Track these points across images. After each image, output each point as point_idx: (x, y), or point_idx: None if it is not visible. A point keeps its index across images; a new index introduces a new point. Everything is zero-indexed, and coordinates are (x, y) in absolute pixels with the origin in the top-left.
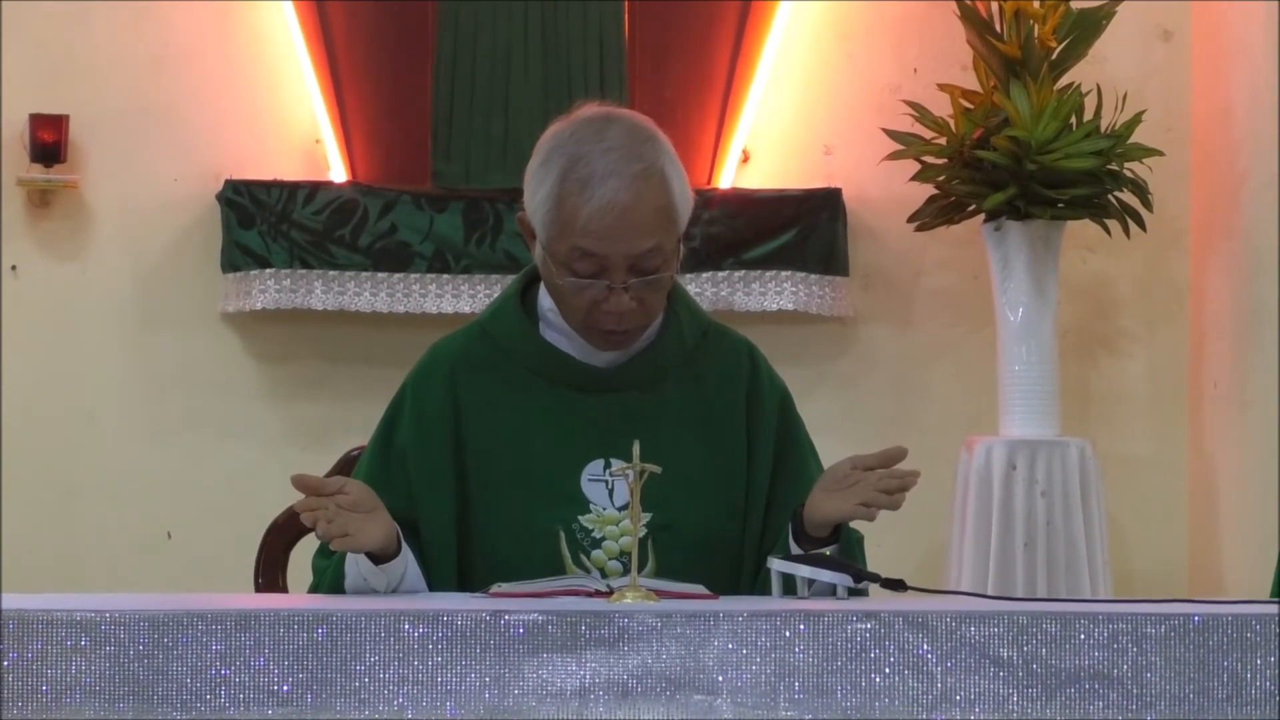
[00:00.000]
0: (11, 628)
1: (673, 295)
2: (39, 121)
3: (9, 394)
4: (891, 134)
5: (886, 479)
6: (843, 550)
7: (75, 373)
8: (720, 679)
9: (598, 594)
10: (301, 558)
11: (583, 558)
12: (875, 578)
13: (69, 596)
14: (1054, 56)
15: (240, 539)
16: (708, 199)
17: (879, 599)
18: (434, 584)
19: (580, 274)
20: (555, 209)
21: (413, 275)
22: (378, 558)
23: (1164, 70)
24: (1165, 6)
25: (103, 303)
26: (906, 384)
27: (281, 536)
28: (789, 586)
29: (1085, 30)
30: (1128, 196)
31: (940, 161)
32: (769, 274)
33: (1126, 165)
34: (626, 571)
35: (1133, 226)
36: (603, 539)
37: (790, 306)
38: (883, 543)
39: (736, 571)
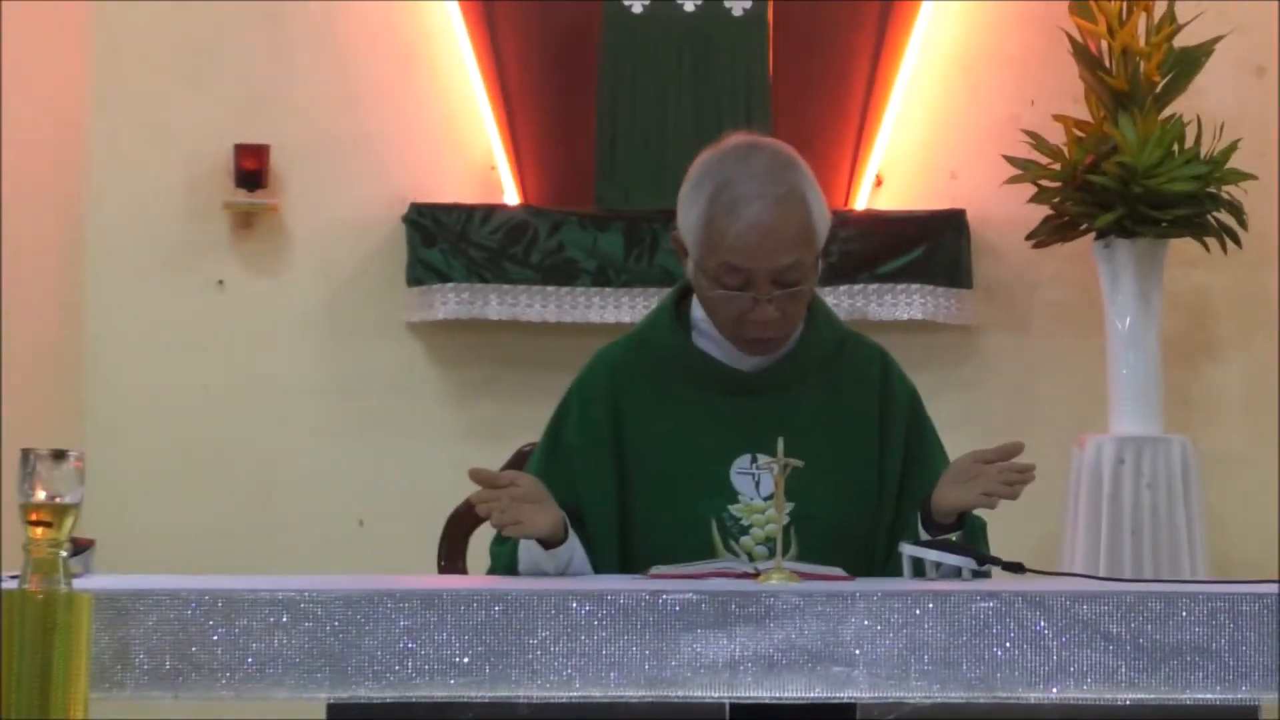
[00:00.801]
0: (220, 606)
1: (812, 306)
2: (243, 151)
3: (217, 396)
4: (1011, 160)
5: (1006, 472)
6: (967, 536)
7: (275, 377)
8: (857, 652)
9: (745, 576)
10: (479, 543)
11: (732, 543)
12: (996, 561)
13: (271, 578)
14: (1158, 90)
15: (424, 526)
16: (844, 219)
17: (1000, 580)
18: (598, 567)
19: (728, 287)
20: (705, 228)
21: (578, 288)
22: (547, 543)
23: (1257, 102)
24: (1258, 45)
25: (299, 314)
26: (1024, 386)
27: (461, 524)
28: (918, 569)
29: (1186, 66)
30: (1225, 216)
31: (1055, 185)
32: (899, 287)
33: (1224, 188)
34: (771, 555)
35: (1229, 244)
36: (750, 526)
37: (919, 316)
38: (1003, 530)
39: (870, 556)
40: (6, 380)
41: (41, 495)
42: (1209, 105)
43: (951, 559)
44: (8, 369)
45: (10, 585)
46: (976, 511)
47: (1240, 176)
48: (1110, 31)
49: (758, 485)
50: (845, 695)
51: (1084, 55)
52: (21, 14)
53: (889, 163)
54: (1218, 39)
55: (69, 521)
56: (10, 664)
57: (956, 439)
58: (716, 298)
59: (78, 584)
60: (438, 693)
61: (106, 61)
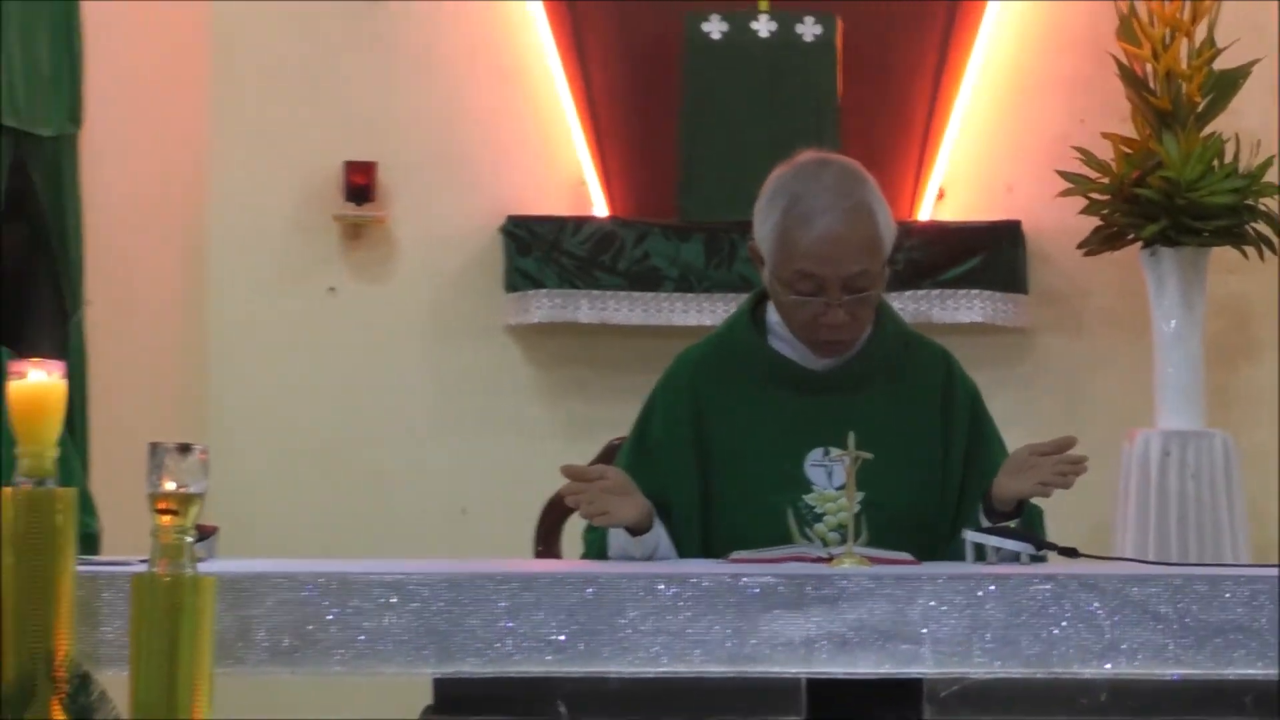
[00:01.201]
0: (334, 588)
1: (880, 310)
2: (352, 167)
3: (329, 394)
4: (1063, 174)
5: (1060, 463)
6: (1025, 523)
7: (383, 377)
8: (924, 631)
9: (820, 560)
10: (572, 530)
11: (806, 530)
12: (1053, 546)
13: (381, 562)
14: (1199, 110)
15: (522, 514)
16: (909, 229)
17: (1056, 564)
18: (683, 553)
19: (802, 293)
20: (781, 239)
21: (662, 294)
22: (635, 531)
23: None
24: None
25: (405, 318)
26: (1076, 385)
27: (555, 513)
28: (980, 554)
29: (1225, 88)
30: (1261, 227)
31: (1104, 198)
32: (960, 292)
33: (1260, 200)
34: (843, 541)
35: (1266, 252)
36: (823, 514)
37: (978, 319)
38: (1058, 517)
39: (935, 541)
40: (136, 380)
41: (169, 485)
42: (1246, 124)
43: (1011, 544)
44: (137, 370)
45: (140, 569)
46: (1033, 500)
47: (1275, 190)
48: (1155, 55)
49: (830, 476)
50: (913, 671)
51: (1130, 78)
52: (146, 43)
53: (950, 177)
54: (1254, 62)
55: (194, 510)
56: (139, 642)
57: (1014, 433)
58: (791, 303)
59: (202, 568)
60: (534, 668)
61: (224, 85)
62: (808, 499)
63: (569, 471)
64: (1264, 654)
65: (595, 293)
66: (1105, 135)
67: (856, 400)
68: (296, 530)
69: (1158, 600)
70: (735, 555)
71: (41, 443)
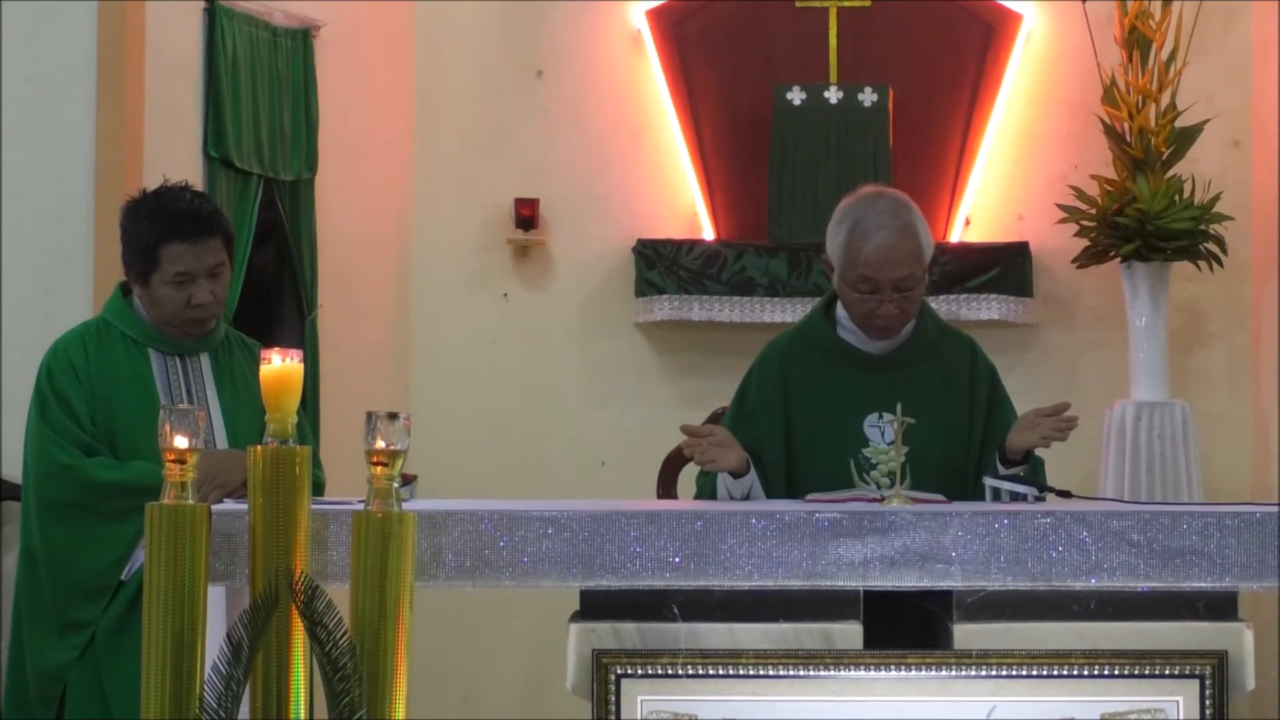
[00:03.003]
0: (505, 522)
1: (921, 307)
2: (520, 203)
3: (504, 375)
4: (1061, 207)
5: (1058, 421)
6: (1030, 470)
7: (543, 362)
8: (953, 554)
9: (874, 500)
10: (686, 479)
11: (865, 476)
12: (1052, 489)
13: (540, 502)
14: (1164, 158)
15: (647, 466)
16: (943, 249)
17: (1054, 503)
18: (771, 492)
19: (862, 292)
20: (846, 251)
21: (755, 298)
22: (735, 475)
23: (1235, 166)
24: (1236, 126)
25: (560, 317)
26: (1071, 366)
27: (673, 465)
28: (996, 495)
29: (1184, 141)
30: (1212, 246)
31: (1092, 225)
32: (982, 296)
33: (1211, 226)
34: (892, 485)
35: (1215, 266)
36: (877, 464)
37: (996, 317)
38: (1057, 467)
39: (962, 485)
40: (356, 364)
41: (381, 444)
42: (1200, 168)
43: (1020, 488)
44: (357, 357)
45: (358, 508)
46: (1037, 451)
47: (1222, 218)
48: (1130, 116)
49: (882, 435)
50: (945, 584)
51: (1112, 133)
52: (365, 106)
53: (975, 209)
54: (1206, 122)
55: (399, 462)
56: (358, 563)
57: (1023, 404)
58: (853, 299)
59: (406, 506)
60: (656, 583)
61: (426, 139)
62: (865, 452)
63: (687, 429)
64: (1213, 571)
65: (705, 297)
66: (1093, 177)
67: (903, 376)
68: (476, 478)
69: (1132, 530)
70: (810, 497)
71: (284, 411)
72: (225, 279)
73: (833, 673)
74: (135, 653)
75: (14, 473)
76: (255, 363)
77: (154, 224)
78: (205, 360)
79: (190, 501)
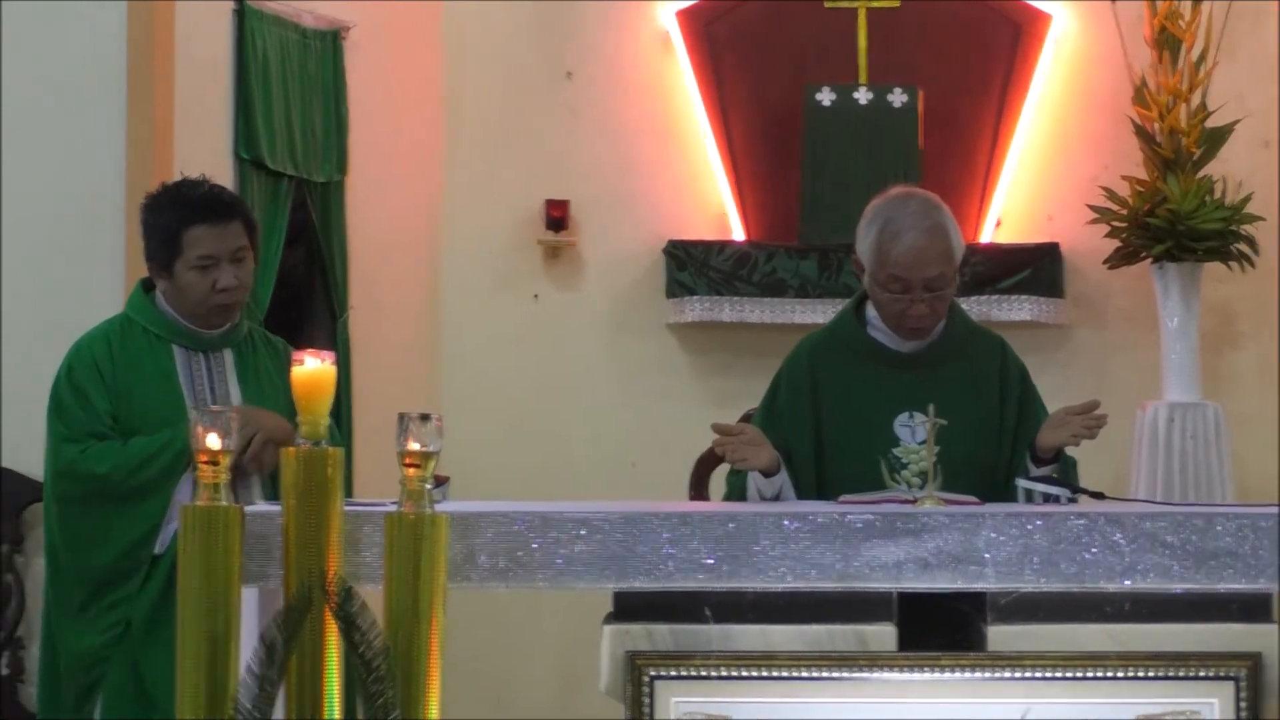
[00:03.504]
0: (538, 523)
1: (951, 307)
2: (551, 204)
3: (534, 376)
4: (1092, 207)
5: (1088, 419)
6: (1062, 471)
7: (574, 362)
8: (987, 556)
9: (906, 502)
10: (717, 480)
11: (896, 476)
12: (1085, 490)
13: (573, 503)
14: (1195, 158)
15: (679, 466)
16: (974, 250)
17: (1087, 504)
18: (801, 491)
19: (892, 291)
20: (877, 251)
21: (785, 299)
22: (766, 474)
23: (1265, 166)
24: (1266, 126)
25: (590, 318)
26: (1102, 367)
27: (705, 466)
28: (1029, 497)
29: (1215, 142)
30: (1243, 246)
31: (1123, 225)
32: (1013, 297)
33: (1241, 227)
34: (924, 484)
35: (1246, 266)
36: (907, 463)
37: (1027, 318)
38: (1089, 468)
39: (993, 486)
40: (387, 365)
41: (413, 445)
42: (1231, 169)
43: (1053, 489)
44: (388, 357)
45: (391, 509)
46: (1068, 452)
47: (1252, 218)
48: (1161, 117)
49: (913, 434)
50: (978, 586)
51: (1143, 134)
52: (395, 109)
53: (1006, 209)
54: (1236, 122)
55: (432, 464)
56: (391, 565)
57: (1054, 405)
58: (884, 299)
59: (439, 507)
60: (689, 584)
61: (455, 141)
62: (896, 451)
63: (718, 428)
64: (1247, 573)
65: (735, 298)
66: (1124, 177)
67: (933, 376)
68: (508, 479)
69: (1165, 532)
70: (843, 498)
71: (316, 413)
72: (249, 266)
73: (866, 675)
74: (172, 646)
75: (36, 471)
76: (279, 359)
77: (175, 210)
78: (228, 356)
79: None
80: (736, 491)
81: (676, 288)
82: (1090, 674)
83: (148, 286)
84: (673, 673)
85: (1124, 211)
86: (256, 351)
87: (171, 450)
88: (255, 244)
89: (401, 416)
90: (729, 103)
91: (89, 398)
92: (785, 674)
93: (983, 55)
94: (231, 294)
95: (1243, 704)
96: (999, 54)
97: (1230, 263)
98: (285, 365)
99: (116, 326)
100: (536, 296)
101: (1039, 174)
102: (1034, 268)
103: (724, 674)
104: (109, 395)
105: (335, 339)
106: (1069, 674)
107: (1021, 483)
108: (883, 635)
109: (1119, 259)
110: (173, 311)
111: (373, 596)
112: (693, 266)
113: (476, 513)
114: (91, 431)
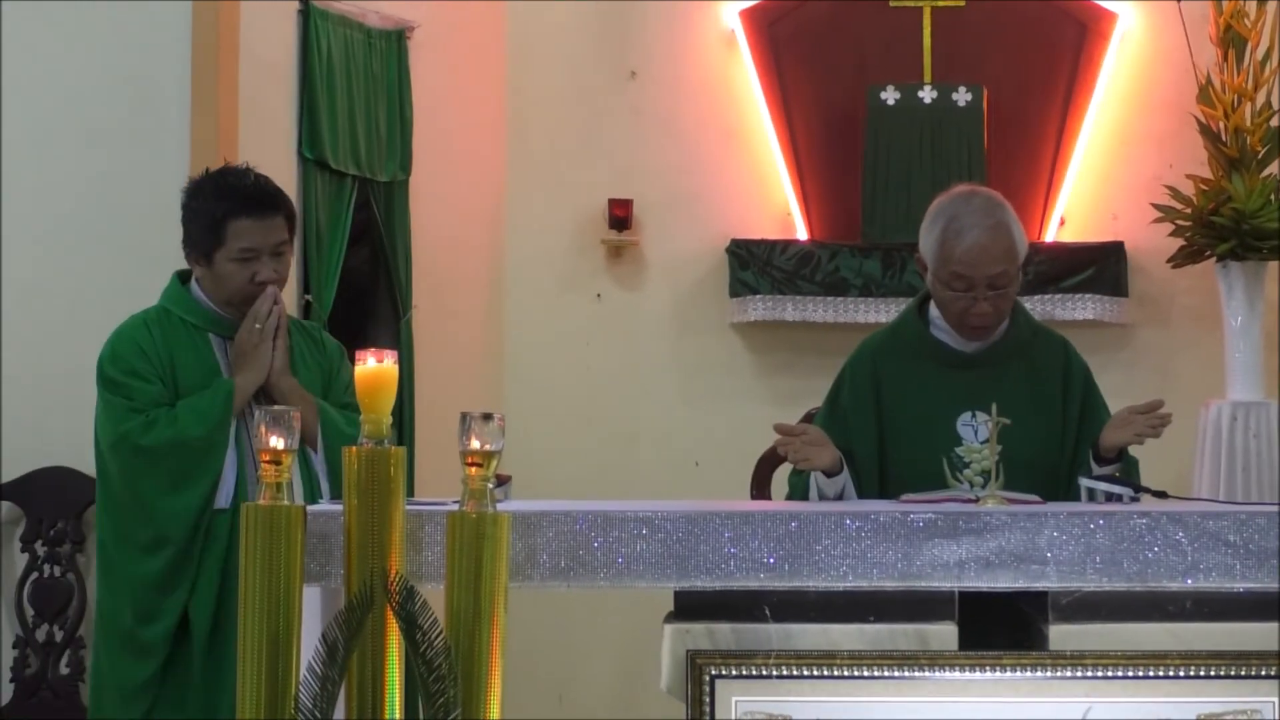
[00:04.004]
0: (599, 522)
1: (1014, 307)
2: (614, 203)
3: (597, 375)
4: (1156, 206)
5: (1152, 418)
6: (1125, 470)
7: (637, 362)
8: (1049, 555)
9: (969, 501)
10: (779, 480)
11: (958, 475)
12: (1147, 490)
13: (635, 502)
14: (1260, 157)
15: (741, 466)
16: (1038, 249)
17: (1150, 503)
18: (863, 491)
19: (955, 289)
20: (940, 249)
21: (849, 298)
22: (828, 474)
23: None
24: None
25: (653, 317)
26: (1166, 366)
27: (767, 466)
28: (1092, 495)
29: (1279, 141)
30: None
31: (1187, 224)
32: (1077, 296)
33: None
34: (986, 484)
35: None
36: (970, 462)
37: (1091, 317)
38: (1152, 468)
39: (1056, 485)
40: (451, 364)
41: (475, 444)
42: None
43: (1115, 488)
44: (452, 357)
45: (453, 509)
46: (1130, 451)
47: None
48: (1226, 115)
49: (975, 433)
50: (1040, 585)
51: (1207, 132)
52: (459, 109)
53: (1070, 208)
54: None
55: (494, 462)
56: (453, 564)
57: (1117, 404)
58: (947, 298)
59: (500, 507)
60: (751, 584)
61: (519, 141)
62: (958, 450)
63: (780, 428)
64: None
65: (798, 297)
66: (1188, 176)
67: (996, 375)
68: (569, 478)
69: (1228, 531)
70: (905, 497)
71: (379, 412)
72: (288, 260)
73: (927, 674)
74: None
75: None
76: (314, 346)
77: (220, 200)
78: None
79: (286, 501)
80: (799, 491)
81: (739, 287)
82: (1151, 673)
83: (183, 278)
84: (733, 672)
85: (1188, 210)
86: (290, 337)
87: (221, 394)
88: (293, 236)
89: (464, 416)
90: (792, 102)
91: (143, 375)
92: (846, 673)
93: (1048, 54)
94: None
95: None
96: (1064, 52)
97: None
98: (318, 349)
99: (154, 316)
100: (599, 296)
101: (1103, 173)
102: (1098, 267)
103: (785, 673)
104: (159, 376)
105: (398, 338)
106: (1130, 673)
107: (1084, 482)
108: (944, 634)
109: (1183, 258)
110: (208, 300)
111: (434, 596)
112: (755, 266)
113: (538, 512)
114: (156, 403)
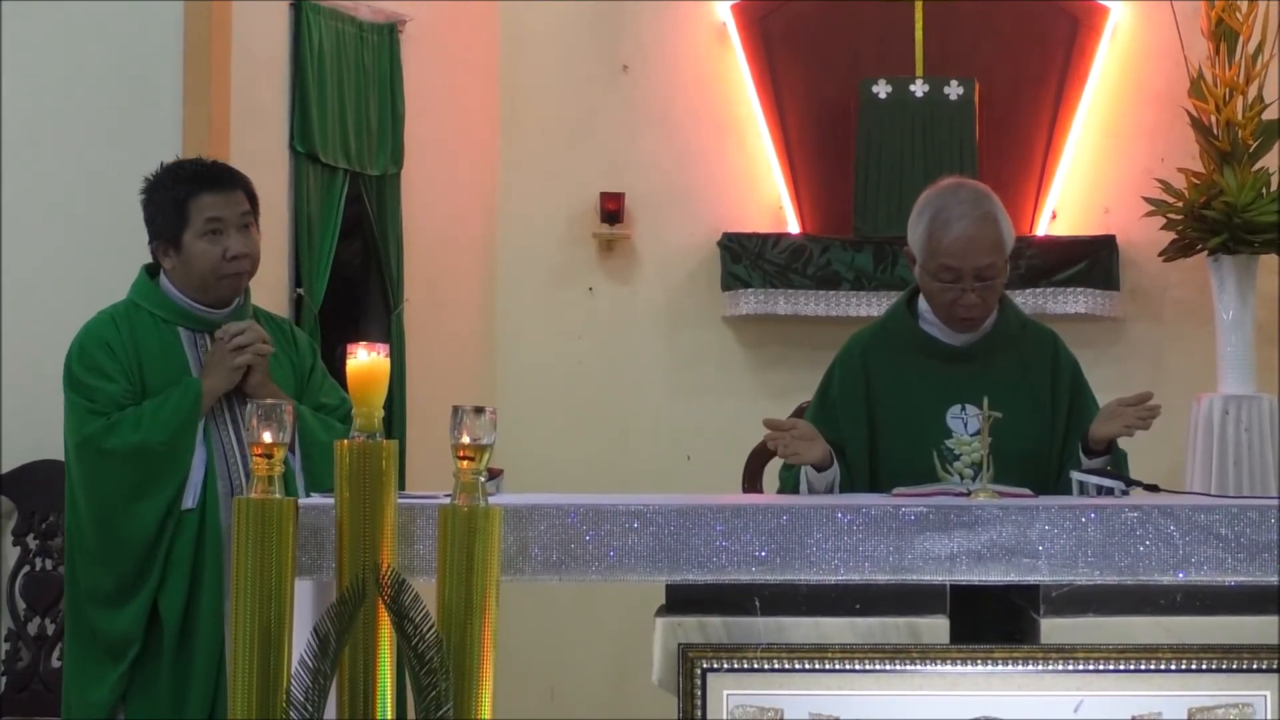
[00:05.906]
0: (591, 516)
1: (1003, 300)
2: (606, 197)
3: (589, 369)
4: (1148, 200)
5: (1140, 410)
6: (1114, 463)
7: (629, 356)
8: (1040, 548)
9: (960, 494)
10: (771, 473)
11: (948, 467)
12: (1138, 483)
13: (626, 496)
14: (1251, 150)
15: (732, 459)
16: (1029, 242)
17: (1141, 497)
18: (855, 487)
19: (943, 281)
20: (927, 241)
21: (840, 292)
22: (819, 468)
23: None
24: None
25: (645, 311)
26: (1157, 360)
27: (758, 459)
28: (1082, 489)
29: (1271, 134)
30: None
31: (1179, 218)
32: (1068, 289)
33: None
34: (976, 476)
35: None
36: (960, 455)
37: (1082, 311)
38: (1142, 461)
39: (1046, 479)
40: (442, 358)
41: (467, 438)
42: None
43: (1106, 482)
44: (443, 351)
45: (444, 502)
46: (1119, 444)
47: None
48: (1217, 109)
49: (965, 426)
50: (1031, 579)
51: (1199, 126)
52: (450, 102)
53: (1061, 202)
54: None
55: (486, 457)
56: (444, 557)
57: (1108, 398)
58: (935, 289)
59: (492, 500)
60: (743, 577)
61: (511, 134)
62: (948, 443)
63: (770, 423)
64: None
65: (790, 291)
66: (1180, 170)
67: (986, 368)
68: (561, 472)
69: (1219, 524)
70: (896, 490)
71: (371, 405)
72: (255, 237)
73: (919, 667)
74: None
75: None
76: (284, 340)
77: (179, 183)
78: None
79: (278, 495)
80: (789, 486)
81: (731, 280)
82: (1143, 666)
83: (150, 273)
84: (725, 665)
85: (1180, 204)
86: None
87: (190, 398)
88: (258, 216)
89: (455, 409)
90: (784, 96)
91: (107, 373)
92: (837, 666)
93: (1040, 47)
94: (240, 263)
95: None
96: (1056, 46)
97: None
98: (290, 344)
99: (121, 311)
100: (591, 289)
101: (1095, 166)
102: (1089, 260)
103: (776, 666)
104: (124, 373)
105: (390, 332)
106: (1121, 666)
107: (1075, 475)
108: (935, 628)
109: (1174, 251)
110: (178, 294)
111: (426, 589)
112: (747, 259)
113: (530, 505)
114: (117, 404)
